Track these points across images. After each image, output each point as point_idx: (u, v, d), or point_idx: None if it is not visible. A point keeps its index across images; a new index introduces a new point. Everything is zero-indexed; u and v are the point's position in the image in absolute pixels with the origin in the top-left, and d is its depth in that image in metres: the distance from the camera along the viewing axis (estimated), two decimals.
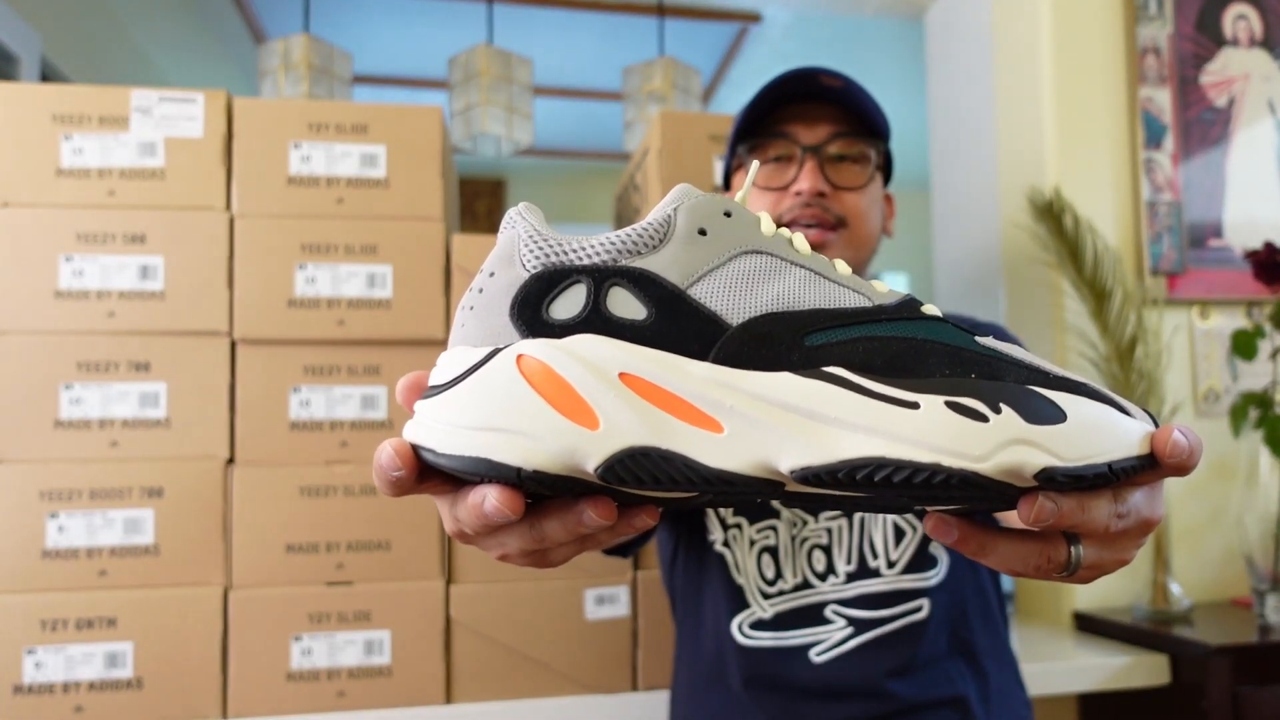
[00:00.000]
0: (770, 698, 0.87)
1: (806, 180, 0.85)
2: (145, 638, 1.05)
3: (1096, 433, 0.33)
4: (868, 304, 0.37)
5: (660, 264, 0.36)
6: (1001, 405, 0.33)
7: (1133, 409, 0.35)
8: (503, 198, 4.84)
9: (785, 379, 0.34)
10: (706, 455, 0.33)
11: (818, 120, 0.88)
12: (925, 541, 0.88)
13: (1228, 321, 1.54)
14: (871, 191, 0.89)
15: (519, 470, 0.33)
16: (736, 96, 3.61)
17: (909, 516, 0.88)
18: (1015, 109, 1.61)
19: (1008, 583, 1.56)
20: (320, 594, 1.09)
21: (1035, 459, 0.32)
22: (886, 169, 0.95)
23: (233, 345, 1.12)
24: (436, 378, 0.37)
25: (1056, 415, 0.33)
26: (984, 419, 0.32)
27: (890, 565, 0.87)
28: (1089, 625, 1.40)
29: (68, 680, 1.04)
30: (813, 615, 0.87)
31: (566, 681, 1.15)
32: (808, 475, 0.33)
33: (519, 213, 0.39)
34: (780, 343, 0.35)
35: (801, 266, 0.37)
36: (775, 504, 0.39)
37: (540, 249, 0.37)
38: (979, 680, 0.88)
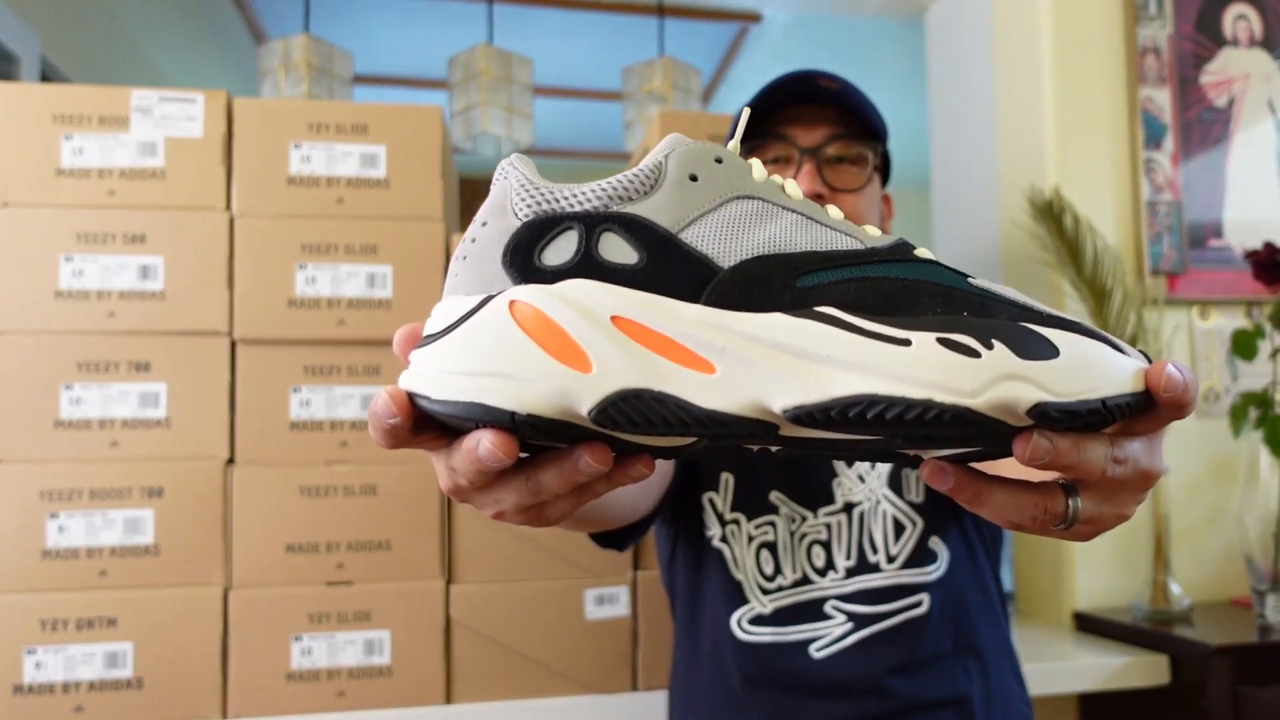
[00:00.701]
0: (770, 695, 0.87)
1: (804, 182, 0.86)
2: (145, 638, 1.05)
3: (1091, 369, 0.32)
4: (860, 246, 0.37)
5: (651, 209, 0.36)
6: (994, 341, 0.32)
7: (1127, 348, 0.35)
8: None
9: (777, 319, 0.34)
10: (699, 396, 0.33)
11: (816, 122, 0.88)
12: (925, 537, 0.88)
13: (1228, 321, 1.54)
14: (869, 192, 0.89)
15: (513, 414, 0.33)
16: (736, 96, 3.61)
17: (908, 511, 0.88)
18: (1015, 109, 1.61)
19: (1008, 582, 1.57)
20: (320, 594, 1.09)
21: (1028, 394, 0.31)
22: (885, 170, 0.95)
23: (233, 345, 1.12)
24: (430, 327, 0.36)
25: (1050, 351, 0.32)
26: (976, 354, 0.32)
27: (890, 560, 0.87)
28: (1089, 625, 1.40)
29: (68, 680, 1.04)
30: (813, 611, 0.87)
31: (566, 681, 1.15)
32: (800, 415, 0.32)
33: (511, 163, 0.38)
34: (772, 284, 0.35)
35: (793, 211, 0.37)
36: (773, 448, 0.38)
37: (532, 197, 0.37)
38: (983, 679, 0.88)
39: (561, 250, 0.36)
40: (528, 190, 0.37)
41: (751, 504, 0.90)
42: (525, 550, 1.15)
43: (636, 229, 0.36)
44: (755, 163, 0.39)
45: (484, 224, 0.38)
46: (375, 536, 1.11)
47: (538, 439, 0.35)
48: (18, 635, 1.03)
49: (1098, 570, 1.45)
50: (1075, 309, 1.46)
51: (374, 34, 3.20)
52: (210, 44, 3.17)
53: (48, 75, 2.28)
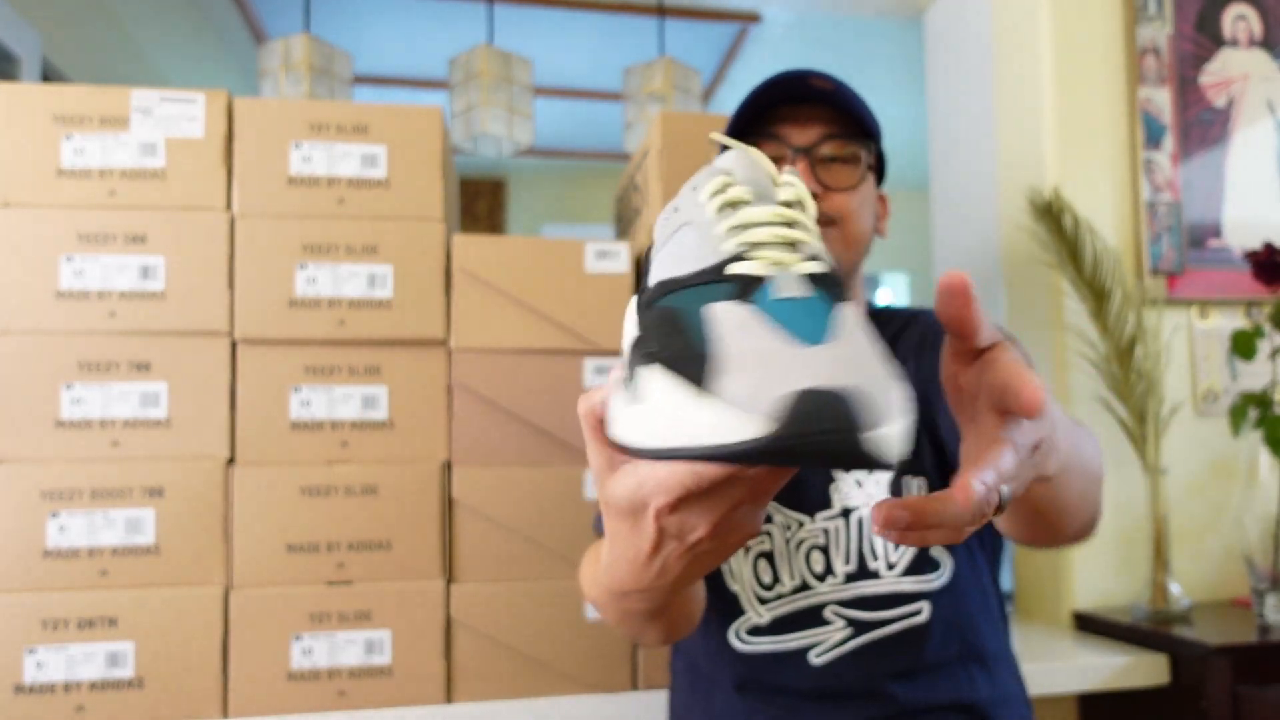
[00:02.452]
0: (768, 702, 0.87)
1: None
2: (146, 637, 1.06)
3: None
4: None
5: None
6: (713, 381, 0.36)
7: None
8: (503, 198, 4.84)
9: (640, 372, 0.40)
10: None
11: (809, 122, 0.88)
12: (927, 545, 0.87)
13: (1227, 321, 1.54)
14: (863, 192, 0.89)
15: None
16: (736, 96, 3.61)
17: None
18: (1015, 109, 1.61)
19: (1007, 583, 1.57)
20: (320, 594, 1.09)
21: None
22: (880, 169, 0.95)
23: (233, 345, 1.12)
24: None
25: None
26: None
27: (890, 567, 0.87)
28: (1089, 625, 1.41)
29: (68, 680, 1.04)
30: (812, 616, 0.87)
31: (566, 681, 1.15)
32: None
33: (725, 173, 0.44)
34: (646, 344, 0.41)
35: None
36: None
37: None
38: (989, 684, 0.88)
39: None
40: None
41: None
42: (525, 550, 1.15)
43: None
44: None
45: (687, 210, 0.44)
46: (375, 536, 1.11)
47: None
48: (18, 635, 1.03)
49: (1098, 570, 1.45)
50: (1075, 309, 1.47)
51: (374, 34, 3.20)
52: (210, 44, 3.17)
53: (48, 75, 2.28)
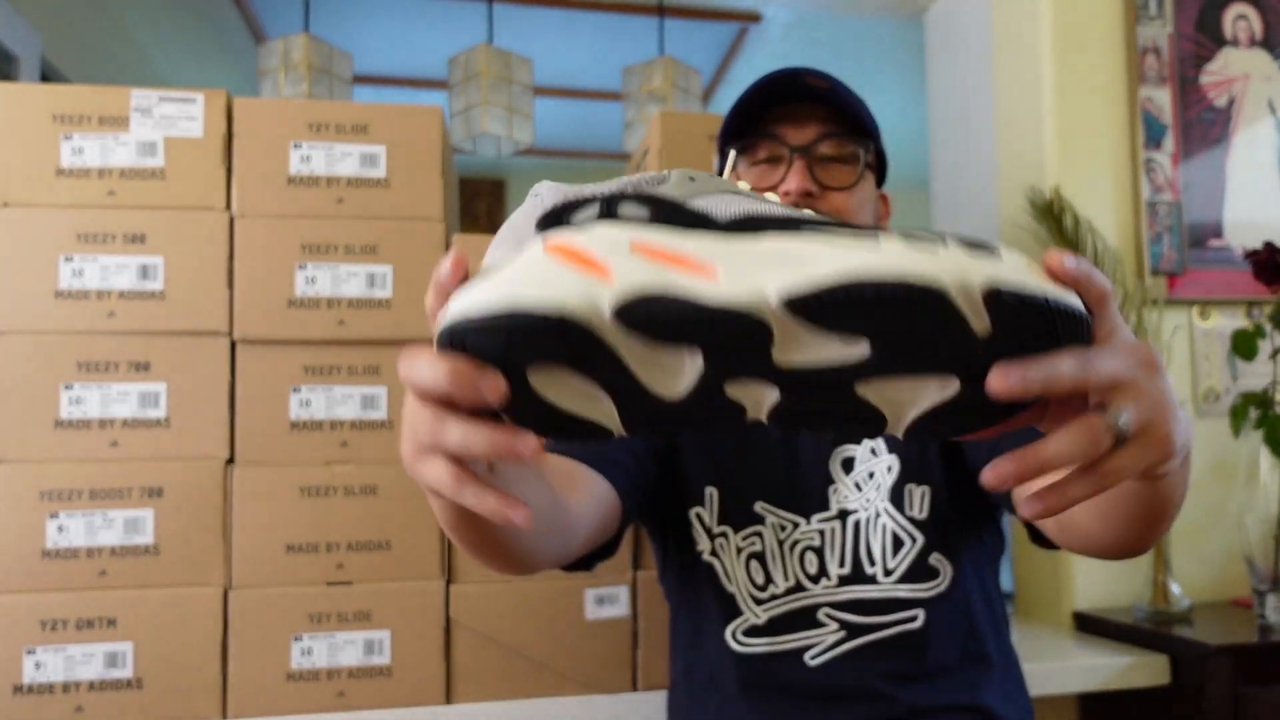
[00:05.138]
0: (768, 701, 0.87)
1: (794, 180, 0.84)
2: (145, 638, 1.05)
3: (1028, 270, 0.38)
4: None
5: (661, 192, 0.44)
6: (948, 240, 0.38)
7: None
8: (503, 198, 4.84)
9: (768, 235, 0.41)
10: (706, 295, 0.38)
11: (806, 121, 0.87)
12: (926, 553, 0.87)
13: (1228, 321, 1.54)
14: (861, 191, 0.88)
15: (545, 317, 0.38)
16: (736, 96, 3.61)
17: (909, 527, 0.87)
18: (1015, 109, 1.61)
19: (1008, 583, 1.56)
20: (320, 594, 1.09)
21: (982, 276, 0.37)
22: (880, 168, 0.94)
23: (233, 345, 1.11)
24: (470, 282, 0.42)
25: (994, 252, 0.38)
26: (935, 249, 0.38)
27: (887, 574, 0.87)
28: (1089, 625, 1.40)
29: (68, 680, 1.04)
30: (806, 618, 0.87)
31: (566, 681, 1.15)
32: (794, 300, 0.37)
33: (543, 185, 0.46)
34: (763, 223, 0.42)
35: (777, 204, 0.45)
36: (767, 402, 0.43)
37: (559, 193, 0.45)
38: (992, 685, 0.87)
39: (587, 215, 0.43)
40: (554, 191, 0.45)
41: (738, 516, 0.90)
42: None
43: (648, 200, 0.43)
44: (742, 182, 0.44)
45: (516, 216, 0.45)
46: (375, 536, 1.11)
47: (552, 348, 0.39)
48: (18, 635, 1.03)
49: (1098, 570, 1.45)
50: None
51: (374, 34, 3.20)
52: (210, 44, 3.17)
53: (48, 75, 2.28)
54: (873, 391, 0.41)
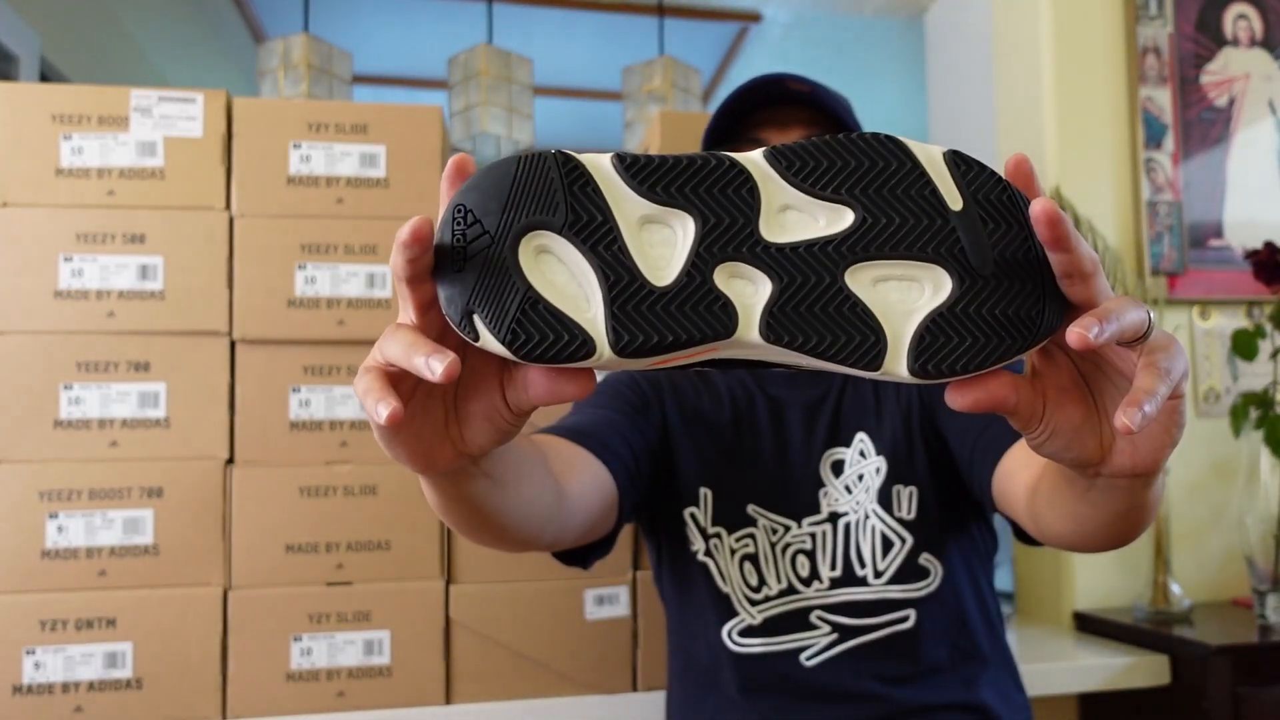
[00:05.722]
0: (767, 700, 0.87)
1: None
2: (145, 638, 1.05)
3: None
4: None
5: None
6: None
7: None
8: None
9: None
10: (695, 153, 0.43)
11: (790, 124, 0.88)
12: (915, 553, 0.87)
13: (1228, 321, 1.53)
14: None
15: (545, 155, 0.42)
16: None
17: (897, 529, 0.87)
18: (1015, 109, 1.61)
19: (1008, 583, 1.56)
20: (320, 594, 1.09)
21: (945, 149, 0.42)
22: None
23: (233, 345, 1.11)
24: None
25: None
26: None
27: (877, 575, 0.87)
28: (1089, 625, 1.40)
29: (67, 680, 1.04)
30: (799, 620, 0.87)
31: (566, 681, 1.14)
32: (774, 151, 0.42)
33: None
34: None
35: None
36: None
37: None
38: (988, 683, 0.88)
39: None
40: None
41: (731, 518, 0.90)
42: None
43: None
44: None
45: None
46: (375, 536, 1.11)
47: (557, 198, 0.41)
48: (17, 635, 1.03)
49: (1098, 571, 1.45)
50: None
51: (374, 34, 3.20)
52: (210, 44, 3.17)
53: (47, 75, 2.28)
54: (864, 288, 0.41)
